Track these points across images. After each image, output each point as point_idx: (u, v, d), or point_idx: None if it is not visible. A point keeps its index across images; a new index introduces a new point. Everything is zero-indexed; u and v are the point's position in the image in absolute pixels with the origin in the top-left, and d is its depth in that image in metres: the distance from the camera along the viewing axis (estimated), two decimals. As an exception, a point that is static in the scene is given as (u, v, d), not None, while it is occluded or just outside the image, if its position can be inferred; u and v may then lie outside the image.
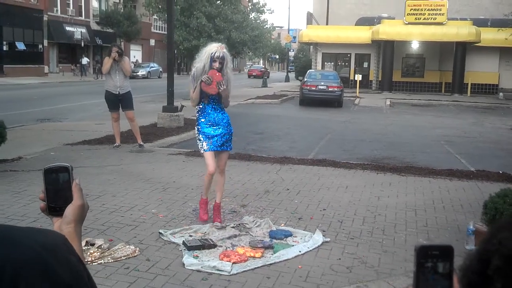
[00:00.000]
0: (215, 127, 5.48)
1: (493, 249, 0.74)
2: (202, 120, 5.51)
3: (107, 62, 9.47)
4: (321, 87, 21.66)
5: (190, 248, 4.66)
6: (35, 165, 7.97)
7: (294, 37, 57.19)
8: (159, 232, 5.11)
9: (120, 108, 9.74)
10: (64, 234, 1.18)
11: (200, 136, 5.50)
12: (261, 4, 24.68)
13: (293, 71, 52.87)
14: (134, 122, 9.85)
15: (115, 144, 9.80)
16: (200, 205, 5.67)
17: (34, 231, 0.93)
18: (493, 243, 0.75)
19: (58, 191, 1.21)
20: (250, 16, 24.18)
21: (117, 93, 9.60)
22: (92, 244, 4.64)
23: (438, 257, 0.82)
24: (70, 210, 1.21)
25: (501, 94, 30.02)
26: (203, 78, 5.26)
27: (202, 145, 5.48)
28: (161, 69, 45.95)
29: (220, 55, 5.25)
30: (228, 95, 5.53)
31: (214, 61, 5.24)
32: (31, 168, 7.76)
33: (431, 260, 0.83)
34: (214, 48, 5.31)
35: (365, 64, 34.48)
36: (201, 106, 5.51)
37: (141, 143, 9.81)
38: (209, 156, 5.43)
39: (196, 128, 5.60)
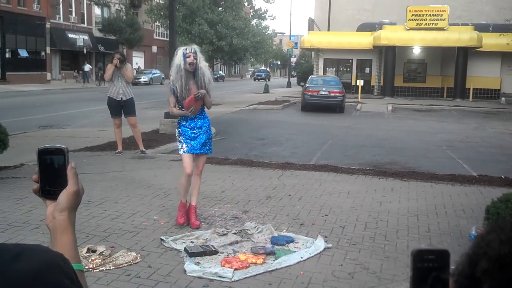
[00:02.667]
0: (195, 131, 5.60)
1: (481, 252, 0.74)
2: (183, 123, 5.62)
3: (109, 68, 9.54)
4: (323, 93, 21.67)
5: (192, 254, 4.65)
6: (37, 172, 7.97)
7: (296, 43, 57.23)
8: (161, 238, 5.10)
9: (123, 115, 9.77)
10: (57, 222, 1.15)
11: (181, 138, 5.62)
12: (262, 11, 24.77)
13: (295, 77, 52.95)
14: (136, 128, 9.88)
15: (117, 151, 9.83)
16: (178, 208, 5.65)
17: (26, 252, 0.87)
18: (481, 246, 0.75)
19: (52, 173, 1.16)
20: (252, 23, 24.27)
21: (120, 99, 9.66)
22: (94, 251, 4.64)
23: (434, 261, 0.82)
24: (63, 197, 1.16)
25: (503, 99, 29.99)
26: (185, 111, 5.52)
27: (181, 146, 5.60)
28: (163, 76, 46.06)
29: (192, 50, 5.43)
30: (209, 95, 5.66)
31: (187, 57, 5.38)
32: (33, 175, 7.76)
33: (427, 264, 0.83)
34: (184, 47, 5.53)
35: (367, 70, 34.52)
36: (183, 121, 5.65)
37: (143, 149, 9.85)
38: (186, 158, 5.56)
39: (177, 131, 5.70)
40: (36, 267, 0.84)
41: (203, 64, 5.59)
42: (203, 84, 5.53)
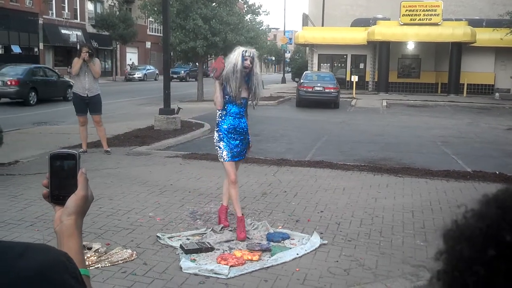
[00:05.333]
0: (235, 136, 5.33)
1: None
2: (224, 126, 5.33)
3: (77, 63, 8.99)
4: (318, 89, 21.68)
5: (188, 251, 4.65)
6: (32, 169, 7.95)
7: (290, 39, 57.17)
8: (157, 235, 5.10)
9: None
10: (64, 226, 1.15)
11: (221, 143, 5.35)
12: (256, 6, 24.67)
13: (289, 73, 52.93)
14: (101, 127, 9.47)
15: (80, 150, 9.18)
16: (221, 211, 5.55)
17: (31, 250, 0.87)
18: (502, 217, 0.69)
19: (62, 178, 1.16)
20: (246, 18, 24.16)
21: (85, 95, 9.21)
22: (89, 248, 4.63)
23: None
24: (72, 201, 1.15)
25: (497, 94, 30.10)
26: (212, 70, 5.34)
27: (222, 154, 5.33)
28: (157, 72, 45.89)
29: (251, 54, 5.24)
30: (258, 97, 5.46)
31: (245, 59, 5.22)
32: (27, 172, 7.74)
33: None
34: (243, 48, 5.33)
35: (361, 65, 34.53)
36: (224, 112, 5.34)
37: (108, 149, 9.50)
38: (229, 166, 5.31)
39: (216, 134, 5.42)
40: (41, 265, 0.84)
41: (258, 69, 5.39)
42: (254, 89, 5.32)
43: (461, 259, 0.67)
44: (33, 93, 20.17)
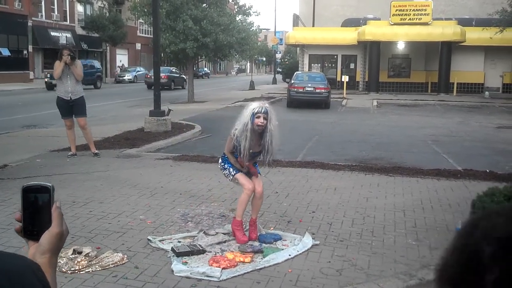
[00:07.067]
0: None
1: (481, 238, 0.75)
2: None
3: (59, 66, 8.99)
4: (308, 89, 21.70)
5: (179, 254, 4.62)
6: (21, 173, 7.88)
7: (281, 39, 57.30)
8: (148, 238, 5.06)
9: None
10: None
11: (225, 165, 5.22)
12: (247, 7, 24.66)
13: (280, 73, 52.98)
14: (86, 130, 9.42)
15: (69, 153, 9.31)
16: (235, 227, 5.16)
17: (2, 257, 0.86)
18: (479, 233, 0.75)
19: (36, 213, 1.11)
20: (237, 19, 24.14)
21: (69, 98, 9.16)
22: (80, 252, 4.58)
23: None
24: (46, 238, 1.10)
25: (487, 93, 30.27)
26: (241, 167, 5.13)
27: (228, 172, 5.18)
28: (147, 73, 45.73)
29: (263, 110, 4.90)
30: (272, 154, 5.11)
31: (257, 117, 4.88)
32: (16, 176, 7.67)
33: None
34: (256, 105, 4.99)
35: (352, 65, 34.61)
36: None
37: (96, 151, 9.44)
38: (240, 177, 5.12)
39: (221, 159, 5.31)
40: (11, 269, 0.83)
41: (273, 124, 5.01)
42: (267, 146, 5.00)
43: (464, 275, 0.72)
44: None
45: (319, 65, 34.72)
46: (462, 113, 20.93)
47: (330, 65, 35.27)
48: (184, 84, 36.17)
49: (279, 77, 51.95)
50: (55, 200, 1.13)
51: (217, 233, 5.25)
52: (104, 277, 4.19)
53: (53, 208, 1.12)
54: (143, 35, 54.78)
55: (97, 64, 37.79)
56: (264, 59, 79.97)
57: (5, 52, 37.23)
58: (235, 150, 5.10)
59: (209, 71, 68.87)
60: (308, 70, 32.52)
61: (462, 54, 31.73)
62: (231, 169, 5.16)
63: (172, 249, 4.71)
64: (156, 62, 13.29)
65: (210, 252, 4.78)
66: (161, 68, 27.54)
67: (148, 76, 35.03)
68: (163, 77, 31.56)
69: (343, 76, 29.42)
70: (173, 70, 37.63)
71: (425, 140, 12.87)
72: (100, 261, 4.47)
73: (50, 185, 1.13)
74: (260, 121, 4.87)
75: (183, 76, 37.08)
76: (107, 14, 45.23)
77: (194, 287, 4.07)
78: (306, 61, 34.73)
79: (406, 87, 33.42)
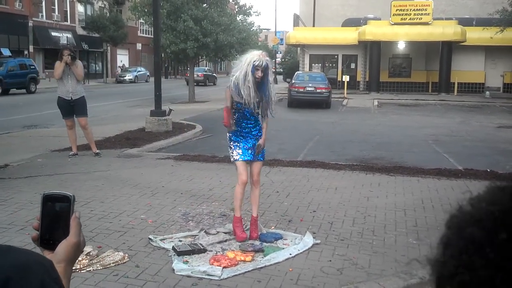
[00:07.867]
0: (247, 139, 5.20)
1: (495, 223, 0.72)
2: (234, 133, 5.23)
3: (59, 66, 9.02)
4: (309, 89, 21.70)
5: (180, 253, 4.63)
6: (22, 172, 7.89)
7: (281, 39, 57.28)
8: (149, 237, 5.07)
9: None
10: None
11: (231, 143, 5.22)
12: (247, 7, 24.66)
13: (281, 74, 52.97)
14: (87, 130, 9.42)
15: (70, 153, 9.33)
16: (234, 224, 5.20)
17: (14, 250, 0.87)
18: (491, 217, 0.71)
19: (54, 222, 1.09)
20: (237, 19, 24.14)
21: (70, 98, 9.17)
22: (81, 252, 4.58)
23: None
24: (62, 247, 1.08)
25: (487, 92, 30.26)
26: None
27: (232, 153, 5.19)
28: (148, 73, 45.77)
29: (263, 64, 4.94)
30: (272, 104, 5.22)
31: (256, 70, 4.94)
32: (18, 176, 7.68)
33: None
34: (255, 56, 5.00)
35: (352, 65, 34.60)
36: (234, 116, 5.20)
37: (97, 151, 9.45)
38: (241, 165, 5.15)
39: (227, 136, 5.30)
40: (25, 262, 0.84)
41: (271, 77, 5.14)
42: (267, 98, 5.10)
43: (471, 242, 0.67)
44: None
45: (320, 65, 34.72)
46: (463, 113, 20.92)
47: (330, 65, 35.27)
48: (215, 81, 43.89)
49: (279, 77, 51.93)
50: (75, 211, 1.11)
51: (218, 232, 5.26)
52: (105, 276, 4.20)
53: (72, 218, 1.10)
54: (144, 35, 54.77)
55: (29, 62, 31.62)
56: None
57: (6, 52, 37.18)
58: (234, 105, 5.16)
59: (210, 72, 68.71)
60: (309, 70, 32.52)
61: (462, 54, 31.72)
62: (235, 152, 5.18)
63: (173, 248, 4.72)
64: (156, 62, 13.31)
65: (211, 251, 4.79)
66: (197, 68, 34.49)
67: (187, 74, 38.63)
68: (200, 75, 39.63)
69: (343, 76, 29.42)
70: (207, 69, 44.93)
71: (425, 140, 12.87)
72: (101, 260, 4.48)
73: (71, 194, 1.11)
74: (259, 74, 4.98)
75: (214, 74, 45.95)
76: (108, 14, 45.21)
77: (195, 285, 4.07)
78: (307, 61, 34.73)
79: (406, 87, 33.41)
